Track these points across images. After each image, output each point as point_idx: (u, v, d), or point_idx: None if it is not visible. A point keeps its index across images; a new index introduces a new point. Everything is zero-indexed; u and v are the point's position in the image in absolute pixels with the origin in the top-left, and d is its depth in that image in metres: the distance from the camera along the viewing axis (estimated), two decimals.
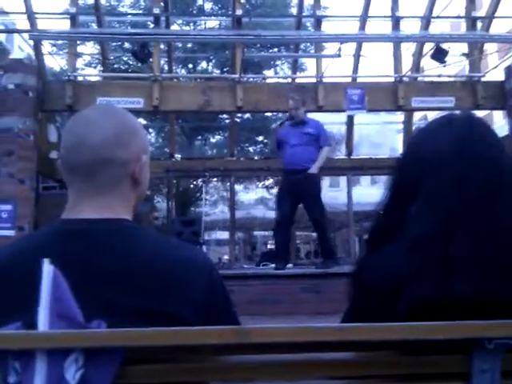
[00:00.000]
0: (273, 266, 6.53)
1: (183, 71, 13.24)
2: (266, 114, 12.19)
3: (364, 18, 7.95)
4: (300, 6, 8.80)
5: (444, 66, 6.90)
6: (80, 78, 8.45)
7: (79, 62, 11.08)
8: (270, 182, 14.88)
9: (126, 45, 11.32)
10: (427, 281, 0.75)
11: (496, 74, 7.39)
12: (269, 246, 18.28)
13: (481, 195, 0.79)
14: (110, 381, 0.65)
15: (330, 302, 3.66)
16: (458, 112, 0.97)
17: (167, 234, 10.43)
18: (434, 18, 7.91)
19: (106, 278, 0.78)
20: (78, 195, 0.88)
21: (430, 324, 0.66)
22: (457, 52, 7.31)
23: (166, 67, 10.28)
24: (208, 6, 13.38)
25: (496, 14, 7.41)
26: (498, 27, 8.14)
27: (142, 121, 14.21)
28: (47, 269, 0.70)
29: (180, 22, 12.48)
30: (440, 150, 0.85)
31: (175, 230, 7.53)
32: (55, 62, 10.80)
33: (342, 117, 9.08)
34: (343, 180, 10.77)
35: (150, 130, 14.90)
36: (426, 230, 0.78)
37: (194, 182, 14.33)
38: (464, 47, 7.61)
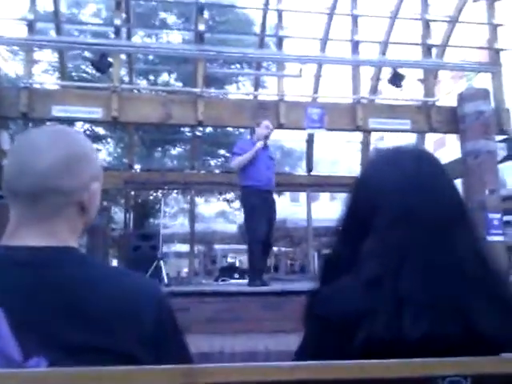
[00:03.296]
0: (231, 281, 6.47)
1: (144, 82, 13.10)
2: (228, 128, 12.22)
3: (324, 40, 8.16)
4: (263, 24, 8.93)
5: (401, 90, 7.14)
6: (36, 86, 8.20)
7: (36, 69, 10.76)
8: (230, 195, 14.86)
9: (86, 54, 11.13)
10: (380, 320, 0.75)
11: (449, 100, 7.73)
12: (229, 260, 18.20)
13: (430, 232, 0.80)
14: None
15: (290, 320, 3.65)
16: (405, 146, 0.98)
17: (124, 247, 10.18)
18: (391, 43, 8.22)
19: (49, 313, 0.74)
20: (20, 220, 0.83)
21: (383, 362, 0.65)
22: (413, 77, 7.59)
23: (126, 78, 10.15)
24: (171, 19, 13.33)
25: (449, 43, 7.79)
26: (451, 55, 8.55)
27: (101, 131, 13.92)
28: None
29: (142, 33, 12.37)
30: (387, 187, 0.85)
31: (133, 244, 7.38)
32: (10, 67, 10.44)
33: (303, 135, 9.24)
34: (303, 195, 10.90)
35: (109, 140, 14.60)
36: (377, 268, 0.78)
37: (154, 194, 14.11)
38: (420, 73, 7.92)
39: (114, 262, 13.96)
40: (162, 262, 6.33)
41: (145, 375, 0.62)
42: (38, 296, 0.75)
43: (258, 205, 4.92)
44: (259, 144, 5.07)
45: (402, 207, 0.82)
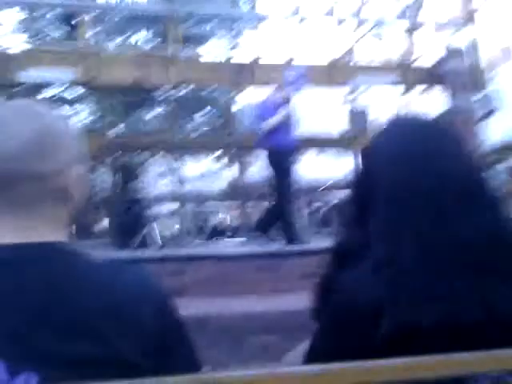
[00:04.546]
0: (225, 240, 6.53)
1: (118, 40, 12.60)
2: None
3: None
4: None
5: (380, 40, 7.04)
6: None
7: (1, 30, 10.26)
8: (218, 153, 14.70)
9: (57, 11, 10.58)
10: (398, 306, 0.71)
11: (427, 59, 7.66)
12: (220, 216, 18.26)
13: (433, 208, 0.75)
14: None
15: (287, 281, 3.72)
16: (408, 117, 0.96)
17: (113, 211, 10.09)
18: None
19: (35, 321, 0.65)
20: None
21: (413, 361, 0.57)
22: (391, 36, 7.49)
23: (97, 38, 9.74)
24: None
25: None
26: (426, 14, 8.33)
27: (74, 94, 13.45)
28: None
29: None
30: (383, 161, 0.82)
31: (122, 207, 7.26)
32: None
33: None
34: None
35: (85, 103, 14.19)
36: (383, 252, 0.75)
37: (138, 155, 13.92)
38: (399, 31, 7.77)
39: (104, 221, 13.89)
40: (154, 224, 6.29)
41: None
42: (21, 302, 0.66)
43: (288, 165, 5.16)
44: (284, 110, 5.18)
45: (398, 181, 0.78)
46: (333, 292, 0.80)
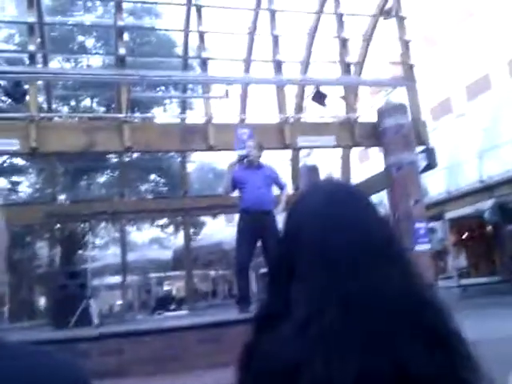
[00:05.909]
0: (168, 314, 6.19)
1: (65, 108, 12.54)
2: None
3: (248, 61, 8.23)
4: (185, 46, 8.87)
5: (324, 108, 7.32)
6: None
7: None
8: (163, 221, 14.48)
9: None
10: (314, 369, 0.71)
11: (370, 115, 8.05)
12: (165, 288, 17.61)
13: (348, 270, 0.77)
14: None
15: (230, 352, 3.49)
16: (320, 183, 0.98)
17: (51, 286, 9.50)
18: (311, 62, 8.47)
19: None
20: None
21: None
22: (335, 94, 7.85)
23: (44, 105, 9.63)
24: (89, 43, 12.90)
25: (366, 60, 8.14)
26: (368, 71, 8.95)
27: (20, 161, 13.09)
28: None
29: (60, 58, 11.88)
30: (301, 229, 0.84)
31: (59, 283, 6.95)
32: None
33: (234, 156, 9.21)
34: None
35: (30, 171, 13.78)
36: (303, 314, 0.75)
37: (81, 225, 13.43)
38: (341, 90, 8.20)
39: (41, 300, 13.10)
40: (91, 301, 5.98)
41: None
42: None
43: (245, 230, 4.93)
44: (231, 165, 5.13)
45: (315, 243, 0.80)
46: (254, 359, 0.78)
